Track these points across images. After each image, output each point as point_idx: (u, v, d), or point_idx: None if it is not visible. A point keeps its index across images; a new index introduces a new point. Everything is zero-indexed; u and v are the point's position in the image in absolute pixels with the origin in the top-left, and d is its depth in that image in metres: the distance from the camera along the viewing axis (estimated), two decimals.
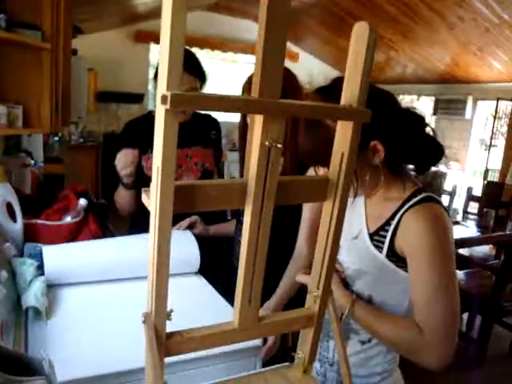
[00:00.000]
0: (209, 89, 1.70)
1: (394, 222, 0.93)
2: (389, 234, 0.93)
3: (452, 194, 4.20)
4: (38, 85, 1.59)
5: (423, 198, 0.91)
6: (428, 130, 0.97)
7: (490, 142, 6.03)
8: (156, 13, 5.90)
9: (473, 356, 3.02)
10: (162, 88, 0.52)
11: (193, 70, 1.64)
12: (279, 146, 0.61)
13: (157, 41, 6.56)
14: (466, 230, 3.66)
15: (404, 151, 0.94)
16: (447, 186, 4.70)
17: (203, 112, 1.79)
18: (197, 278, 1.50)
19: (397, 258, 0.93)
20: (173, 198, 0.57)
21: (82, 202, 1.67)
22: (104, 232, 1.75)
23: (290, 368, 0.83)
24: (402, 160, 0.96)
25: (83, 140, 5.88)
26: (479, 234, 3.56)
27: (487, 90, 6.15)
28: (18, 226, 1.51)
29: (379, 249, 0.95)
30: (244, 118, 1.42)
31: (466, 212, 4.19)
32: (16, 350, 0.91)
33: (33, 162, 2.74)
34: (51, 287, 1.28)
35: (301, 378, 0.81)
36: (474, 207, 4.48)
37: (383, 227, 0.95)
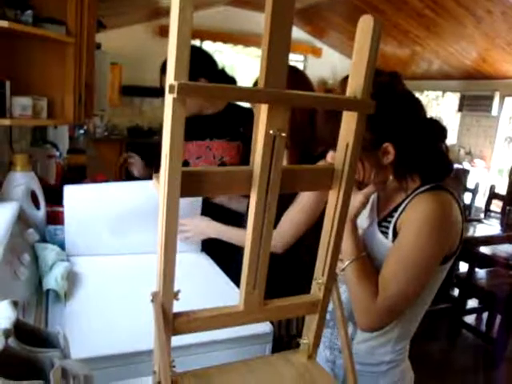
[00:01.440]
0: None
1: (400, 208, 0.95)
2: (394, 220, 0.96)
3: (474, 192, 4.13)
4: (62, 78, 1.64)
5: (434, 186, 0.93)
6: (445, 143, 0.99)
7: None
8: None
9: (492, 356, 2.98)
10: (170, 78, 0.55)
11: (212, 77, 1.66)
12: (283, 134, 0.63)
13: None
14: (489, 228, 3.60)
15: (413, 160, 0.95)
16: (470, 183, 4.61)
17: (241, 105, 1.81)
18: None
19: None
20: (180, 183, 0.59)
21: None
22: None
23: (295, 353, 0.86)
24: (409, 168, 0.97)
25: (108, 133, 6.00)
26: (502, 232, 3.50)
27: None
28: (41, 213, 1.57)
29: (385, 235, 0.97)
30: None
31: (488, 210, 4.12)
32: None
33: (58, 153, 2.83)
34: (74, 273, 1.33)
35: (306, 362, 0.84)
36: (498, 206, 4.39)
37: (390, 214, 0.98)
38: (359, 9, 5.95)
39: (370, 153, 0.93)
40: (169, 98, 0.56)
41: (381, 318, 0.92)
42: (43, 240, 1.51)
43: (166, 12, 5.81)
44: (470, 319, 3.45)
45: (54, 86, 1.66)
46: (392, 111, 0.91)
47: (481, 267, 3.38)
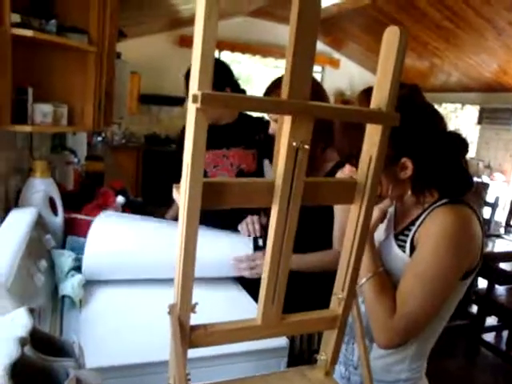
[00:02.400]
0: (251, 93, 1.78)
1: (418, 222, 0.93)
2: (411, 233, 0.94)
3: (494, 206, 4.05)
4: (82, 85, 1.66)
5: (453, 200, 0.91)
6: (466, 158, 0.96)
7: None
8: None
9: (511, 377, 2.89)
10: (194, 87, 0.55)
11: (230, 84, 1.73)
12: (306, 146, 0.62)
13: None
14: (508, 243, 3.52)
15: (432, 175, 0.93)
16: (490, 197, 4.52)
17: (254, 114, 1.85)
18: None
19: None
20: (201, 194, 0.59)
21: (120, 199, 1.73)
22: None
23: (312, 369, 0.84)
24: (428, 183, 0.94)
25: (125, 141, 6.06)
26: None
27: None
28: (58, 220, 1.58)
29: (402, 248, 0.95)
30: None
31: (508, 225, 4.03)
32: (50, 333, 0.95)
33: (76, 160, 2.86)
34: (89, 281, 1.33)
35: (323, 379, 0.81)
36: None
37: (408, 227, 0.96)
38: (378, 20, 5.94)
39: (387, 168, 0.91)
40: (192, 108, 0.55)
41: (399, 335, 0.89)
42: (61, 247, 1.52)
43: (186, 22, 5.88)
44: (489, 337, 3.36)
45: (74, 94, 1.68)
46: (411, 125, 0.89)
47: (500, 284, 3.30)
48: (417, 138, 0.90)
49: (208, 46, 0.53)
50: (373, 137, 0.69)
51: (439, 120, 0.95)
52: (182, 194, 0.59)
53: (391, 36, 0.66)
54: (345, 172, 1.00)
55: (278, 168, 0.63)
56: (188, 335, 0.66)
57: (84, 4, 1.68)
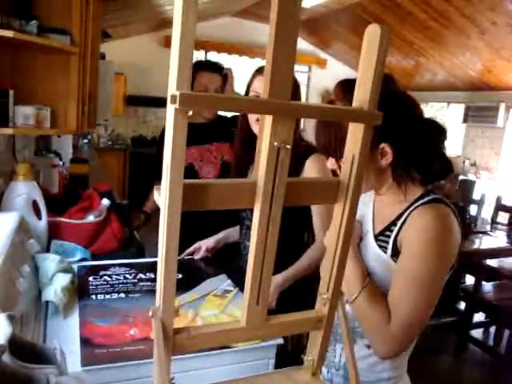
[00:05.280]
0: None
1: (399, 222, 0.93)
2: (393, 234, 0.94)
3: (480, 204, 4.09)
4: (65, 87, 1.64)
5: (432, 199, 0.92)
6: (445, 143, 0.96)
7: None
8: None
9: (499, 372, 2.92)
10: (172, 88, 0.54)
11: (216, 69, 1.93)
12: (288, 146, 0.61)
13: None
14: (495, 240, 3.56)
15: (412, 160, 0.93)
16: (476, 195, 4.57)
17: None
18: None
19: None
20: (181, 196, 0.58)
21: (105, 201, 1.71)
22: (125, 232, 1.78)
23: (299, 370, 0.83)
24: (408, 168, 0.94)
25: (112, 143, 6.01)
26: (508, 244, 3.46)
27: None
28: (42, 223, 1.56)
29: (383, 249, 0.95)
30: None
31: (494, 222, 4.07)
32: (31, 340, 0.94)
33: (61, 162, 2.83)
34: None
35: (309, 380, 0.81)
36: (504, 217, 4.34)
37: (388, 228, 0.96)
38: (364, 20, 5.97)
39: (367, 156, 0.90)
40: (171, 109, 0.54)
41: (398, 343, 0.89)
42: (46, 251, 1.50)
43: (172, 23, 5.86)
44: (477, 333, 3.39)
45: (57, 96, 1.66)
46: (387, 111, 0.89)
47: (487, 280, 3.33)
48: (394, 123, 0.90)
49: (186, 47, 0.53)
50: (355, 135, 0.68)
51: (415, 106, 0.96)
52: (162, 197, 0.58)
53: (372, 34, 0.65)
54: (328, 166, 0.99)
55: (260, 168, 0.62)
56: (171, 338, 0.65)
57: (66, 5, 1.66)
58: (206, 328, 0.68)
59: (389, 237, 0.95)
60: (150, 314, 0.64)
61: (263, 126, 0.61)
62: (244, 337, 0.71)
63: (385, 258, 0.94)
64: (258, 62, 7.11)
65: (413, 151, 0.92)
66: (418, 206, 0.91)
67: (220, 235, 1.70)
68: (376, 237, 0.98)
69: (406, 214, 0.93)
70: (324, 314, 0.76)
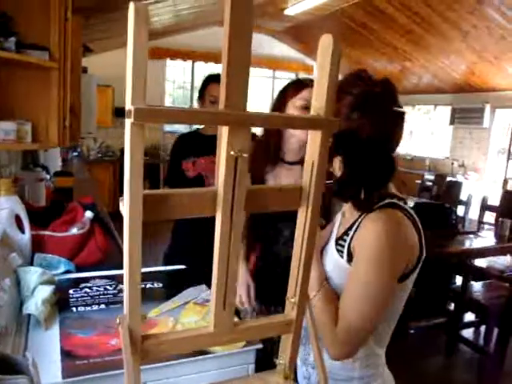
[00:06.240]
0: None
1: (354, 227, 0.95)
2: (348, 239, 0.96)
3: (467, 204, 4.14)
4: (46, 102, 1.66)
5: (385, 204, 0.93)
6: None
7: (509, 151, 5.92)
8: (172, 30, 6.05)
9: (489, 371, 2.94)
10: (128, 102, 0.56)
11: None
12: (245, 155, 0.63)
13: (173, 57, 6.73)
14: (482, 240, 3.60)
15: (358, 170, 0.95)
16: (464, 195, 4.62)
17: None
18: None
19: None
20: (141, 207, 0.60)
21: (88, 214, 1.72)
22: (110, 243, 1.79)
23: (273, 374, 0.84)
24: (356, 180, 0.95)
25: (101, 155, 6.02)
26: (495, 244, 3.50)
27: (505, 98, 6.06)
28: (25, 237, 1.57)
29: (341, 253, 0.97)
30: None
31: (481, 222, 4.12)
32: (11, 352, 0.95)
33: (48, 176, 2.84)
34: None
35: (282, 383, 0.83)
36: (492, 217, 4.40)
37: (346, 232, 0.98)
38: (349, 27, 6.05)
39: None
40: (127, 123, 0.56)
41: (345, 346, 0.91)
42: (29, 264, 1.50)
43: (156, 34, 5.90)
44: (468, 333, 3.42)
45: (38, 110, 1.68)
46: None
47: (476, 280, 3.36)
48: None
49: (139, 63, 0.55)
50: (315, 142, 0.71)
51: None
52: (124, 208, 0.60)
53: (325, 44, 0.68)
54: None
55: (220, 177, 0.64)
56: (139, 345, 0.67)
57: (45, 21, 1.68)
58: (174, 334, 0.70)
59: (345, 241, 0.97)
60: (117, 321, 0.66)
61: (221, 137, 0.64)
62: (212, 342, 0.72)
63: (342, 263, 0.97)
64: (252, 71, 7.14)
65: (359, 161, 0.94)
66: (371, 211, 0.93)
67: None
68: (336, 241, 1.01)
69: (360, 219, 0.95)
70: (292, 318, 0.78)
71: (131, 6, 0.53)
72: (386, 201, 0.94)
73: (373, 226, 0.90)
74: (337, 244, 0.99)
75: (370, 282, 0.88)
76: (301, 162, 1.56)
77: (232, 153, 0.62)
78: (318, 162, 0.70)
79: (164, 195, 0.63)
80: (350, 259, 0.95)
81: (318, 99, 0.69)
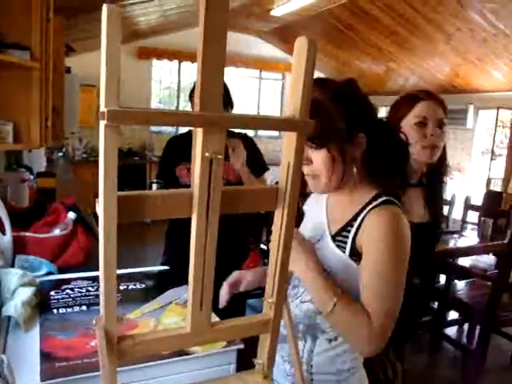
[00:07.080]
0: None
1: (356, 223, 0.98)
2: (351, 235, 0.98)
3: (451, 204, 4.19)
4: (27, 102, 1.65)
5: (384, 201, 0.97)
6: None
7: (492, 151, 6.01)
8: (158, 30, 6.02)
9: (471, 368, 2.99)
10: (102, 104, 0.56)
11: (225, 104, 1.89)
12: (220, 156, 0.64)
13: (159, 57, 6.69)
14: (466, 239, 3.65)
15: (381, 157, 1.00)
16: (449, 195, 4.68)
17: (236, 131, 1.93)
18: None
19: (359, 258, 0.97)
20: (116, 209, 0.60)
21: (71, 215, 1.71)
22: (93, 245, 1.78)
23: (252, 374, 0.85)
24: (377, 163, 1.01)
25: (87, 155, 5.98)
26: (478, 243, 3.55)
27: (488, 100, 6.15)
28: (6, 239, 1.55)
29: (342, 249, 0.99)
30: None
31: (464, 221, 4.17)
32: None
33: (32, 176, 2.81)
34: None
35: (261, 382, 0.83)
36: (475, 217, 4.46)
37: (345, 228, 1.01)
38: (335, 27, 6.09)
39: (345, 145, 0.97)
40: (101, 126, 0.56)
41: (382, 339, 0.93)
42: (11, 266, 1.49)
43: (144, 34, 5.87)
44: (451, 331, 3.46)
45: (19, 110, 1.67)
46: (362, 103, 1.00)
47: (459, 279, 3.40)
48: (367, 115, 1.00)
49: (112, 65, 0.55)
50: (290, 143, 0.71)
51: (374, 108, 1.06)
52: (99, 209, 0.60)
53: (301, 46, 0.68)
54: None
55: (195, 179, 0.64)
56: (115, 346, 0.67)
57: (26, 21, 1.67)
58: (150, 334, 0.70)
59: (347, 237, 0.99)
60: (94, 322, 0.66)
61: (196, 138, 0.64)
62: (189, 342, 0.73)
63: (344, 258, 0.99)
64: (232, 71, 7.15)
65: (383, 148, 1.00)
66: (373, 208, 0.97)
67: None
68: (333, 237, 1.03)
69: (362, 215, 0.98)
70: (270, 317, 0.79)
71: (104, 8, 0.53)
72: (383, 198, 0.98)
73: (380, 221, 0.94)
74: (334, 240, 1.02)
75: (391, 278, 0.92)
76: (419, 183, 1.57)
77: (207, 154, 0.62)
78: (293, 162, 0.71)
79: (139, 196, 0.64)
80: (353, 254, 0.98)
81: (294, 102, 0.70)
